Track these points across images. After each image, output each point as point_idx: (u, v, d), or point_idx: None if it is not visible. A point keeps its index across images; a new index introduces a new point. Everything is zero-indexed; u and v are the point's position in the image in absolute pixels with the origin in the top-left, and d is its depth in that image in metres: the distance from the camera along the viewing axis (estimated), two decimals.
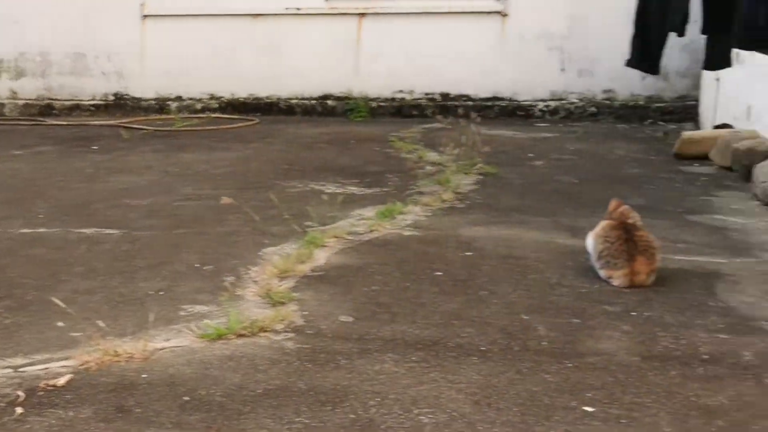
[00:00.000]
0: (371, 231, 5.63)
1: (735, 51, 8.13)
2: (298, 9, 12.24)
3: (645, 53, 7.72)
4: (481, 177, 7.49)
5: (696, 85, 11.54)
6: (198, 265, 4.98)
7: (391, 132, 10.29)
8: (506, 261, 5.04)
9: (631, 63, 7.88)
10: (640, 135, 10.47)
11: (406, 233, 5.62)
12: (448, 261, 5.03)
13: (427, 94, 12.30)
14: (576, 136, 10.28)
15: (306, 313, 4.15)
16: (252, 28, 12.37)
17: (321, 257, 5.04)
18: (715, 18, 6.38)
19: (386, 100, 12.33)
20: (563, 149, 9.22)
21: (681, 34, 7.18)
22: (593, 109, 11.91)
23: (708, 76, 10.56)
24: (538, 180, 7.48)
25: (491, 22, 12.02)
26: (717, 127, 9.49)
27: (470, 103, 12.10)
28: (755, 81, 8.71)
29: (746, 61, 8.20)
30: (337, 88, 12.39)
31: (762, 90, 8.61)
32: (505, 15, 11.96)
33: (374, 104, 12.27)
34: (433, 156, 8.39)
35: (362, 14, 12.18)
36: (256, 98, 12.49)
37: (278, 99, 12.48)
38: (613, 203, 4.94)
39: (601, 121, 11.65)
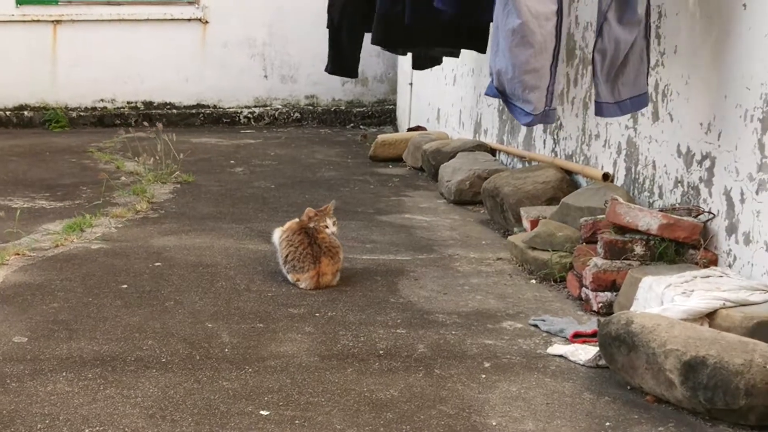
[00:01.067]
0: (56, 246, 5.42)
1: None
2: None
3: (341, 59, 7.96)
4: (178, 186, 7.41)
5: (393, 89, 11.99)
6: None
7: (90, 142, 9.98)
8: (196, 270, 5.00)
9: (330, 69, 8.11)
10: (341, 139, 10.73)
11: (94, 246, 5.46)
12: (135, 273, 4.92)
13: (129, 102, 12.04)
14: (279, 141, 10.39)
15: None
16: None
17: None
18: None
19: (87, 109, 11.96)
20: (265, 155, 9.29)
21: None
22: (297, 114, 12.10)
23: (402, 81, 11.00)
24: (236, 187, 7.49)
25: (192, 29, 11.93)
26: (411, 129, 9.89)
27: (174, 111, 11.97)
28: (443, 84, 9.15)
29: (435, 67, 8.58)
30: (33, 98, 11.88)
31: (449, 93, 9.06)
32: (206, 22, 11.91)
33: (74, 114, 11.86)
34: (131, 166, 8.21)
35: (57, 21, 11.73)
36: None
37: None
38: (310, 212, 4.94)
39: (305, 126, 11.85)
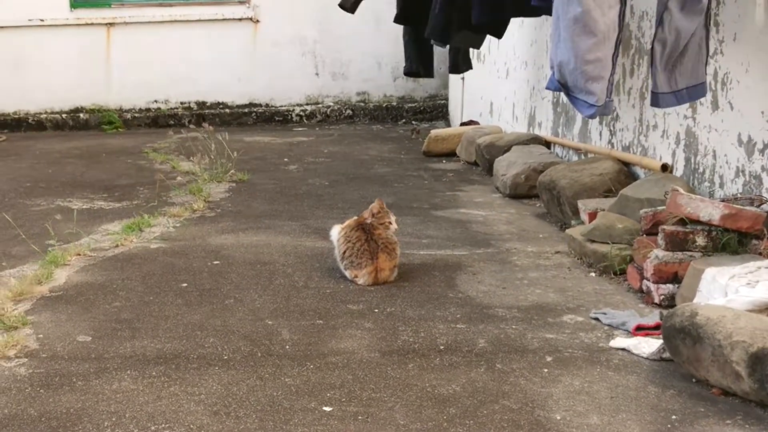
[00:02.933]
0: (116, 246, 5.49)
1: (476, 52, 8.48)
2: (42, 20, 11.82)
3: (418, 59, 7.88)
4: (233, 185, 7.46)
5: (445, 84, 11.96)
6: None
7: (145, 143, 10.09)
8: (254, 267, 5.03)
9: (408, 71, 8.04)
10: (393, 135, 10.73)
11: (153, 246, 5.51)
12: (194, 271, 4.96)
13: (182, 103, 12.15)
14: (332, 138, 10.41)
15: (41, 336, 3.99)
16: None
17: (61, 276, 4.86)
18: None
19: (141, 110, 12.10)
20: (318, 152, 9.31)
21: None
22: (349, 111, 12.12)
23: (454, 75, 10.95)
24: (290, 184, 7.52)
25: (243, 28, 12.01)
26: (464, 123, 9.86)
27: (227, 110, 12.07)
28: (495, 78, 9.11)
29: (486, 60, 8.56)
30: (88, 100, 12.05)
31: (501, 87, 9.01)
32: (256, 21, 11.98)
33: (128, 116, 12.01)
34: (186, 165, 8.28)
35: (110, 24, 11.89)
36: (3, 114, 11.98)
37: (26, 114, 12.00)
38: (374, 207, 4.93)
39: (356, 123, 11.87)
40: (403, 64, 8.08)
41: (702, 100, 4.86)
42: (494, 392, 3.36)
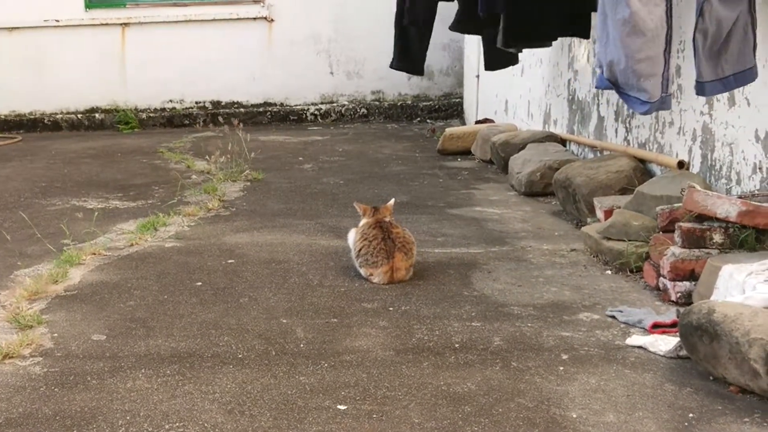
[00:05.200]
0: (131, 245, 5.49)
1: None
2: (57, 21, 11.85)
3: (407, 55, 7.93)
4: (248, 183, 7.47)
5: (460, 82, 11.94)
6: None
7: (160, 143, 10.11)
8: (268, 266, 5.02)
9: (395, 65, 8.09)
10: (408, 133, 10.71)
11: (168, 245, 5.51)
12: (209, 270, 4.96)
13: (197, 102, 12.17)
14: (346, 137, 10.40)
15: (56, 335, 3.99)
16: (9, 41, 11.87)
17: (76, 276, 4.87)
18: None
19: (156, 110, 12.12)
20: (333, 151, 9.31)
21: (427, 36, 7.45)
22: (364, 110, 12.12)
23: (469, 73, 10.94)
24: (305, 183, 7.52)
25: (258, 28, 12.02)
26: (479, 122, 9.83)
27: (242, 110, 12.08)
28: (510, 76, 9.07)
29: None
30: (104, 100, 12.09)
31: (516, 84, 8.98)
32: (271, 20, 11.98)
33: (144, 115, 12.04)
34: (201, 165, 8.29)
35: (125, 24, 11.91)
36: (19, 114, 12.02)
37: (43, 114, 12.04)
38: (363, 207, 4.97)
39: (371, 122, 11.86)
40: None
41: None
42: (509, 390, 3.34)
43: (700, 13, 4.22)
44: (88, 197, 7.10)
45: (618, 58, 4.36)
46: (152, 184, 7.59)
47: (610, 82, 4.46)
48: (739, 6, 4.23)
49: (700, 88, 4.42)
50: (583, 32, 6.52)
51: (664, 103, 4.48)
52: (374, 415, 3.16)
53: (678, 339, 3.54)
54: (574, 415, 3.12)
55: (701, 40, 4.26)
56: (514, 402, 3.24)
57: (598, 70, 4.58)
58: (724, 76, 4.36)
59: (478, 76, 10.37)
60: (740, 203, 4.18)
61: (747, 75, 4.41)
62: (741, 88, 4.66)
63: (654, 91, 4.38)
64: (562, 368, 3.54)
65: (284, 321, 4.14)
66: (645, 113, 4.57)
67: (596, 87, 4.69)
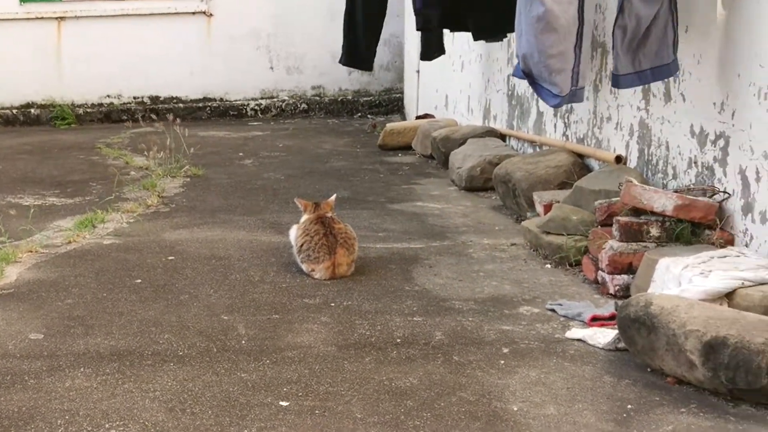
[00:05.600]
0: (69, 242, 5.42)
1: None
2: None
3: (356, 51, 7.89)
4: (188, 180, 7.41)
5: (400, 77, 11.96)
6: None
7: (98, 138, 9.99)
8: (209, 262, 4.99)
9: (344, 61, 8.04)
10: (349, 129, 10.71)
11: (107, 242, 5.45)
12: (149, 267, 4.91)
13: (136, 98, 12.04)
14: (287, 133, 10.38)
15: None
16: None
17: (12, 274, 4.79)
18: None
19: (93, 105, 11.96)
20: (273, 147, 9.28)
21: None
22: (304, 105, 12.08)
23: (409, 68, 10.97)
24: (246, 179, 7.48)
25: (197, 22, 11.91)
26: (419, 117, 9.85)
27: (181, 105, 11.97)
28: (450, 71, 9.11)
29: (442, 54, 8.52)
30: (39, 95, 11.89)
31: (456, 80, 9.02)
32: (210, 15, 11.89)
33: (81, 111, 11.87)
34: (140, 161, 8.21)
35: (61, 18, 11.73)
36: None
37: None
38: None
39: (312, 117, 11.84)
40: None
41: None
42: (451, 384, 3.36)
43: (621, 10, 4.32)
44: (23, 194, 6.99)
45: (531, 52, 4.48)
46: (90, 181, 7.50)
47: (525, 73, 4.60)
48: (659, 3, 4.31)
49: (615, 81, 4.53)
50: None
51: (574, 96, 4.61)
52: (317, 411, 3.16)
53: (616, 331, 3.59)
54: (515, 408, 3.15)
55: (620, 35, 4.35)
56: (456, 396, 3.26)
57: (515, 60, 4.69)
58: (641, 69, 4.46)
59: (418, 72, 10.40)
60: (676, 197, 4.25)
61: (664, 70, 4.51)
62: (677, 84, 4.74)
63: (564, 85, 4.50)
64: (503, 362, 3.57)
65: (225, 318, 4.12)
66: (556, 106, 4.70)
67: (513, 75, 4.81)
